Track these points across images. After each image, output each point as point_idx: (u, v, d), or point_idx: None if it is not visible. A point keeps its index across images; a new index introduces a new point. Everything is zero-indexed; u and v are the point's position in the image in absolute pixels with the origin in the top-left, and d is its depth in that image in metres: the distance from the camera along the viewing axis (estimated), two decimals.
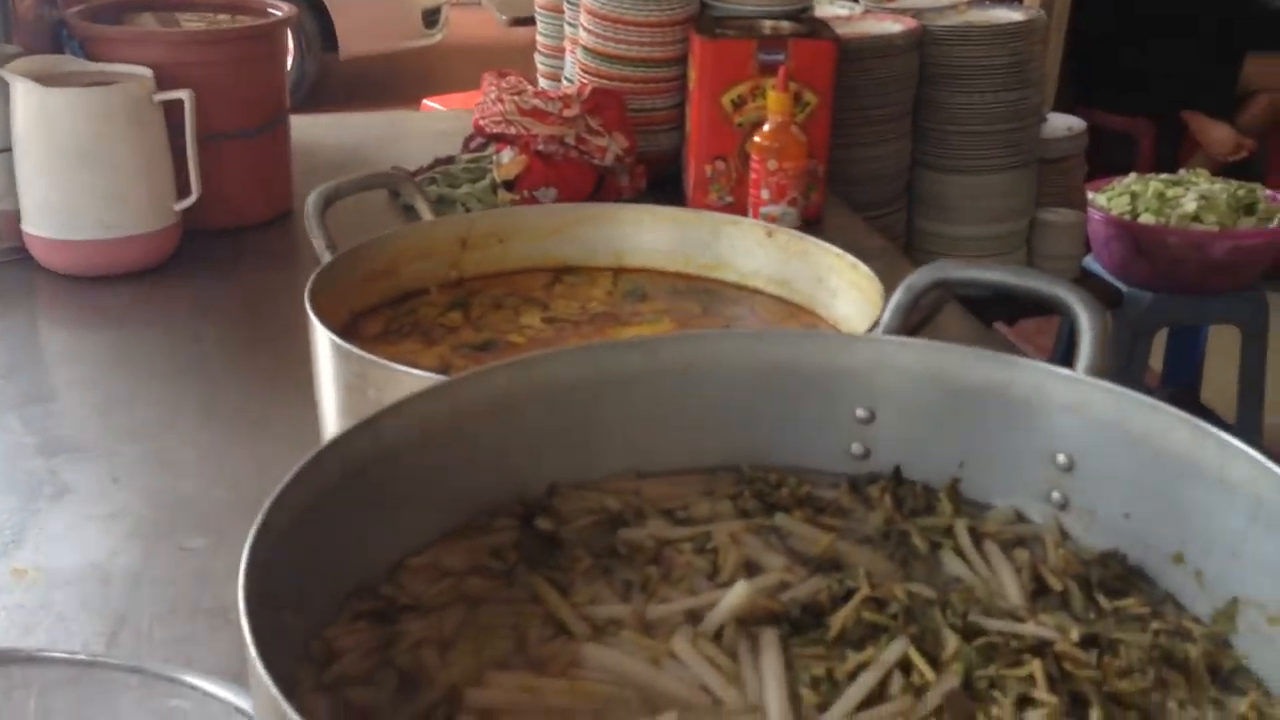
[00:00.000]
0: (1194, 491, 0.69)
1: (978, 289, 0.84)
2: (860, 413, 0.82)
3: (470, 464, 0.77)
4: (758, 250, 1.15)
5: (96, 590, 1.07)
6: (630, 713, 0.62)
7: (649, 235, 1.19)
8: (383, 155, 2.20)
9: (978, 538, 0.76)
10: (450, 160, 2.07)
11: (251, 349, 1.54)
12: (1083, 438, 0.75)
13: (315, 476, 0.65)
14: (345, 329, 1.06)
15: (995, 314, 3.03)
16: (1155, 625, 0.68)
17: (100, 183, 1.67)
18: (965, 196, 2.56)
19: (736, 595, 0.69)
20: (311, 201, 1.07)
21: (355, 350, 0.89)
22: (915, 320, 0.88)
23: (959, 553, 0.75)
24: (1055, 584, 0.72)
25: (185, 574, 1.09)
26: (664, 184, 2.07)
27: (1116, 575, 0.73)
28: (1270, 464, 0.64)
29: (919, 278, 0.83)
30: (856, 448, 0.83)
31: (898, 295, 0.83)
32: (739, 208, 1.93)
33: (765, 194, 1.85)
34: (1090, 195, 2.97)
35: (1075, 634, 0.67)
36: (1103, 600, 0.71)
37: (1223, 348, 3.07)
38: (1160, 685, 0.64)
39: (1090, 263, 3.03)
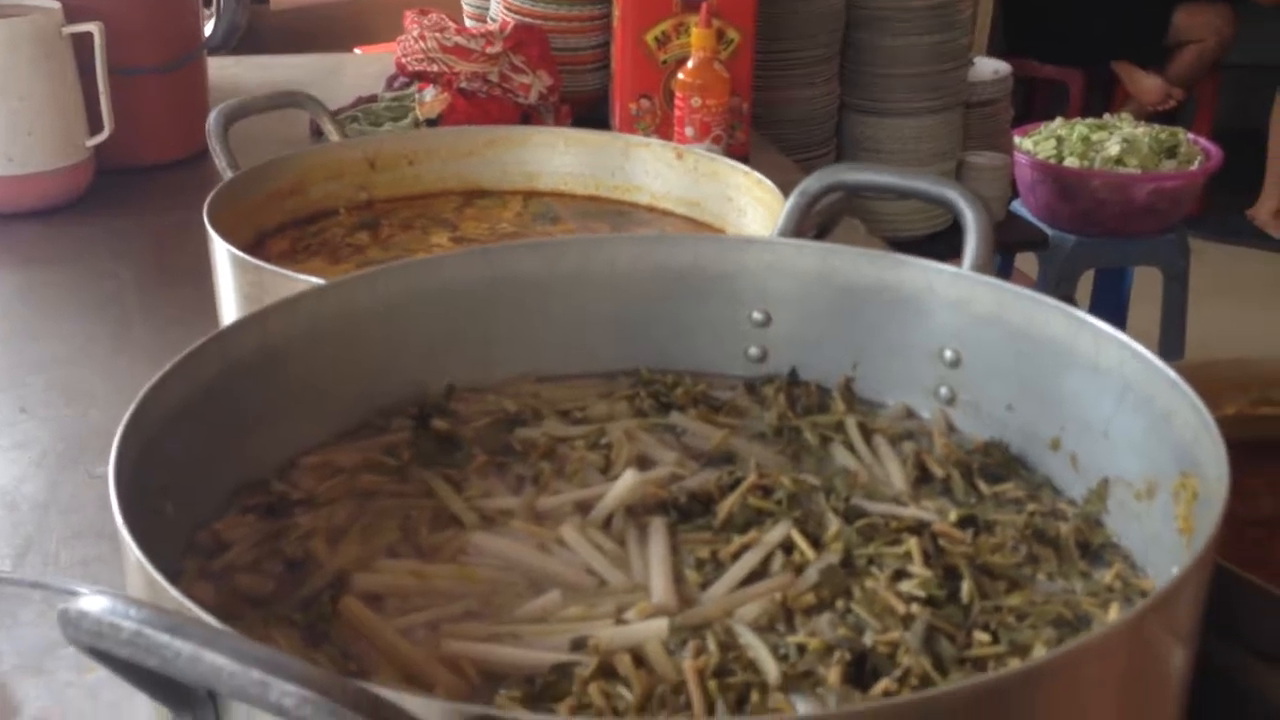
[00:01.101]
0: (1070, 379, 0.71)
1: (874, 189, 0.85)
2: (756, 315, 0.84)
3: (364, 365, 0.77)
4: (668, 172, 1.16)
5: (3, 516, 1.06)
6: (516, 595, 0.63)
7: (561, 158, 1.19)
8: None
9: (867, 433, 0.78)
10: (373, 99, 2.06)
11: (165, 284, 1.52)
12: (968, 333, 0.77)
13: (195, 369, 0.65)
14: (250, 248, 1.05)
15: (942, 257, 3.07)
16: (1031, 507, 0.70)
17: (6, 116, 1.64)
18: (893, 139, 2.58)
19: (625, 484, 0.70)
20: (213, 119, 1.06)
21: (251, 260, 0.89)
22: (814, 226, 0.89)
23: (849, 446, 0.77)
24: (938, 471, 0.73)
25: (92, 500, 1.08)
26: (590, 124, 2.07)
27: (998, 463, 0.75)
28: (1139, 347, 0.66)
29: (813, 181, 0.84)
30: (754, 350, 0.85)
31: (792, 199, 0.84)
32: None
33: (690, 131, 1.85)
34: (1017, 139, 3.01)
35: (953, 515, 0.69)
36: (983, 486, 0.73)
37: (1146, 291, 3.13)
38: (1031, 560, 0.66)
39: (1018, 207, 3.07)
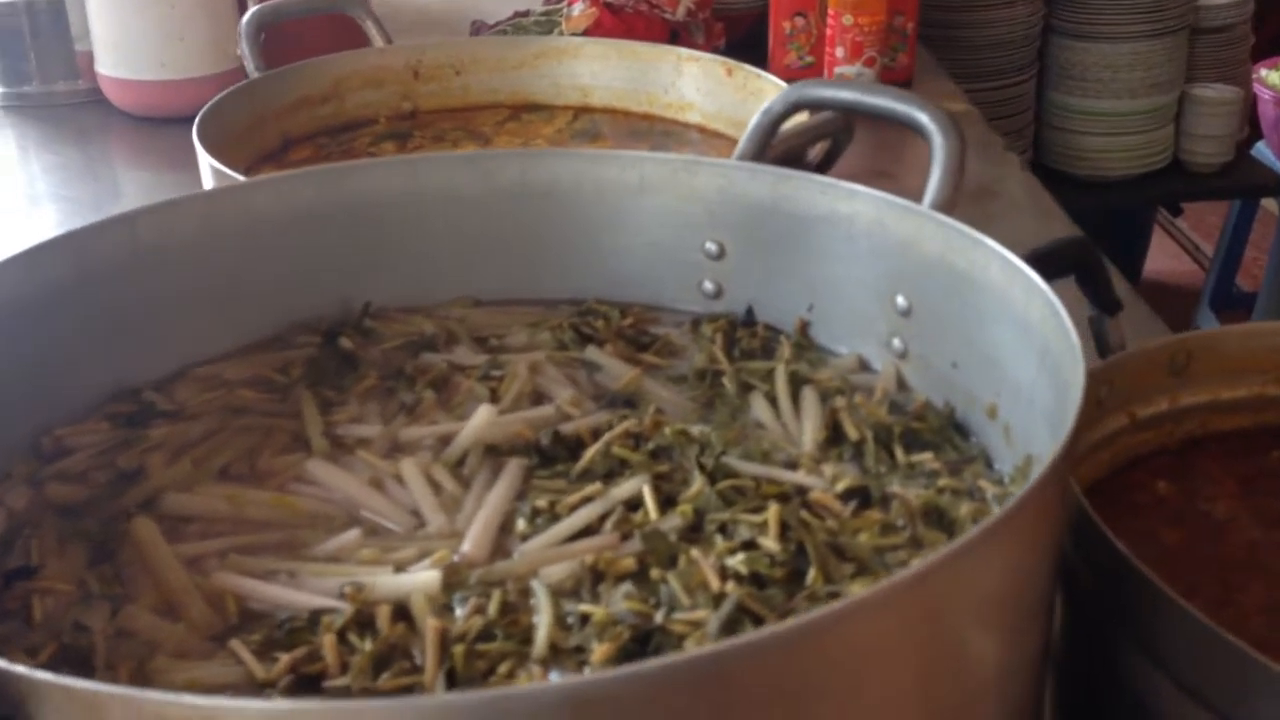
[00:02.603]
0: (1005, 334, 0.60)
1: (833, 107, 0.75)
2: (710, 246, 0.75)
3: (274, 276, 0.74)
4: (719, 89, 1.07)
5: None
6: (326, 531, 0.59)
7: (613, 72, 1.12)
8: (466, 11, 2.16)
9: (798, 384, 0.69)
10: (527, 14, 2.02)
11: None
12: (918, 276, 0.67)
13: (39, 268, 0.63)
14: (275, 153, 1.04)
15: (1156, 202, 2.81)
16: (943, 483, 0.60)
17: (159, 21, 1.69)
18: (1104, 67, 2.36)
19: (478, 420, 0.64)
20: (245, 21, 1.05)
21: (217, 166, 0.86)
22: (797, 151, 0.80)
23: (770, 398, 0.68)
24: (852, 433, 0.64)
25: None
26: (745, 44, 1.97)
27: (932, 429, 0.64)
28: (1057, 304, 0.55)
29: (776, 100, 0.74)
30: (708, 285, 0.76)
31: (755, 119, 0.75)
32: (817, 69, 1.82)
33: (840, 52, 1.73)
34: (1262, 72, 2.68)
35: (842, 484, 0.59)
36: (899, 454, 0.63)
37: None
38: (912, 544, 0.56)
39: (1262, 149, 2.76)
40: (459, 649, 0.50)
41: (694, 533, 0.57)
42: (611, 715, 0.35)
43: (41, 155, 1.70)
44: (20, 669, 0.35)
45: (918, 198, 0.69)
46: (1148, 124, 2.39)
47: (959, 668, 0.42)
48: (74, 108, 1.80)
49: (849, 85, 0.73)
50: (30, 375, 0.64)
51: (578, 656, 0.50)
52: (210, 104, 0.95)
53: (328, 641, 0.50)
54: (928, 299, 0.66)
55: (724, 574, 0.53)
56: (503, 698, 0.34)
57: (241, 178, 0.87)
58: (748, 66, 1.05)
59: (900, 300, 0.68)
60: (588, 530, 0.58)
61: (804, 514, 0.57)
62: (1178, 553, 0.65)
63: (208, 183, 0.91)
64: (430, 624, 0.50)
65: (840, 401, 0.67)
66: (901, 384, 0.69)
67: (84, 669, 0.51)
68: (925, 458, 0.62)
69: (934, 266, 0.65)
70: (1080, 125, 2.39)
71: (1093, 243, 0.73)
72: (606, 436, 0.63)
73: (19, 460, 0.63)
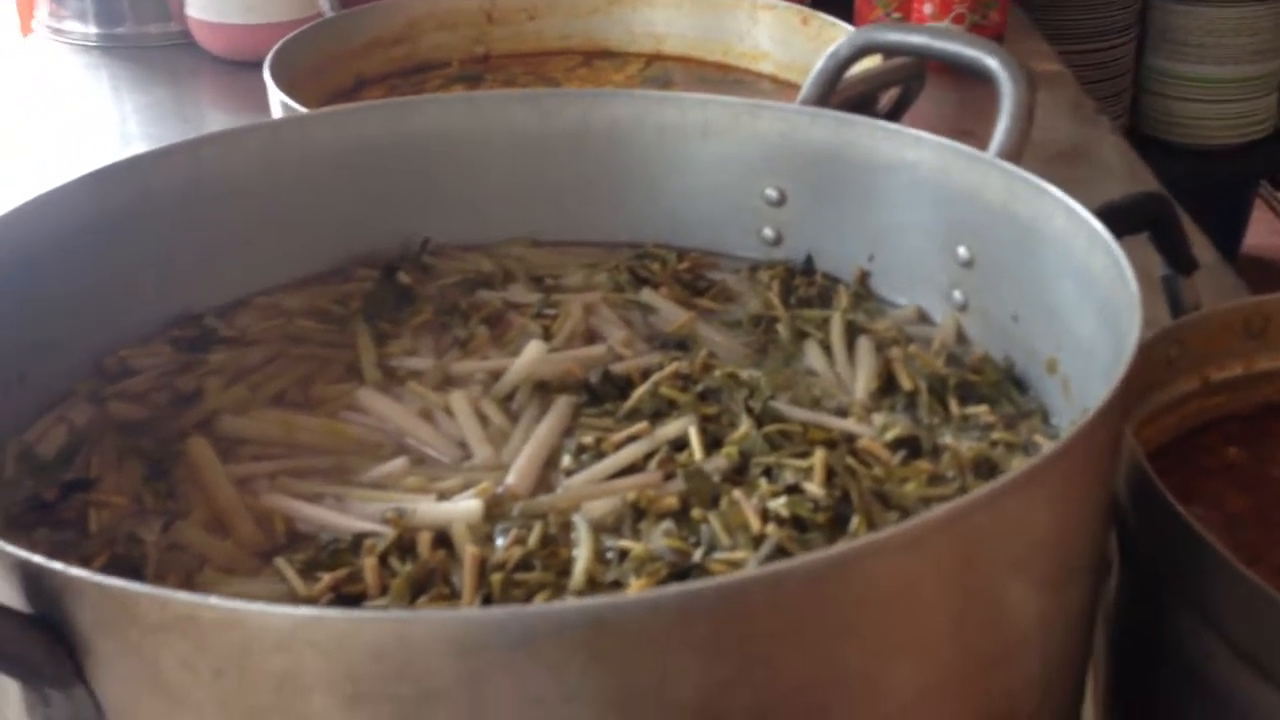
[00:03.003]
0: (1067, 287, 0.59)
1: (899, 51, 0.73)
2: (771, 193, 0.74)
3: (335, 209, 0.74)
4: (793, 39, 1.06)
5: None
6: (374, 459, 0.60)
7: (686, 20, 1.11)
8: None
9: (854, 333, 0.68)
10: None
11: None
12: (981, 227, 0.65)
13: (104, 190, 0.64)
14: (347, 92, 1.05)
15: (1258, 173, 2.72)
16: (996, 436, 0.59)
17: None
18: (1206, 31, 2.29)
19: (528, 356, 0.64)
20: None
21: (284, 98, 0.87)
22: (867, 97, 0.78)
23: (824, 346, 0.67)
24: (905, 383, 0.63)
25: None
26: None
27: (989, 383, 0.63)
28: (1120, 256, 0.53)
29: (842, 44, 0.73)
30: (768, 232, 0.75)
31: (820, 63, 0.74)
32: None
33: (928, 9, 1.70)
34: None
35: (892, 433, 0.59)
36: (954, 406, 0.62)
37: None
38: (960, 495, 0.55)
39: None
40: (497, 577, 0.50)
41: (738, 475, 0.57)
42: (632, 639, 0.35)
43: (133, 95, 1.73)
44: (56, 565, 0.36)
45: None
46: (1250, 91, 2.32)
47: (996, 616, 0.42)
48: (165, 49, 1.83)
49: (917, 29, 0.71)
50: (96, 297, 0.65)
51: (614, 590, 0.50)
52: (283, 41, 0.96)
53: (368, 564, 0.51)
54: (990, 250, 0.65)
55: (765, 516, 0.53)
56: (524, 614, 0.34)
57: (287, 98, 0.88)
58: (823, 15, 1.04)
59: (962, 251, 0.67)
60: (632, 468, 0.58)
61: (851, 461, 0.56)
62: (1244, 519, 0.63)
63: (277, 117, 0.92)
64: (469, 550, 0.50)
65: (895, 352, 0.66)
66: (961, 337, 0.68)
67: (134, 578, 0.51)
68: (980, 410, 0.61)
69: (997, 216, 0.64)
70: (1179, 91, 2.33)
71: (1170, 199, 0.71)
72: (655, 377, 0.62)
73: (83, 379, 0.64)
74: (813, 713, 0.37)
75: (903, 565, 0.37)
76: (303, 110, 0.87)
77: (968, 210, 0.66)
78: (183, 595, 0.35)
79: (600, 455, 0.59)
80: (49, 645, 0.37)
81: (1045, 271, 0.61)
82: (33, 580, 0.36)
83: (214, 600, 0.34)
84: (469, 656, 0.34)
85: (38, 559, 0.36)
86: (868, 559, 0.36)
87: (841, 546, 0.36)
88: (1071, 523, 0.44)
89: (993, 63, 0.66)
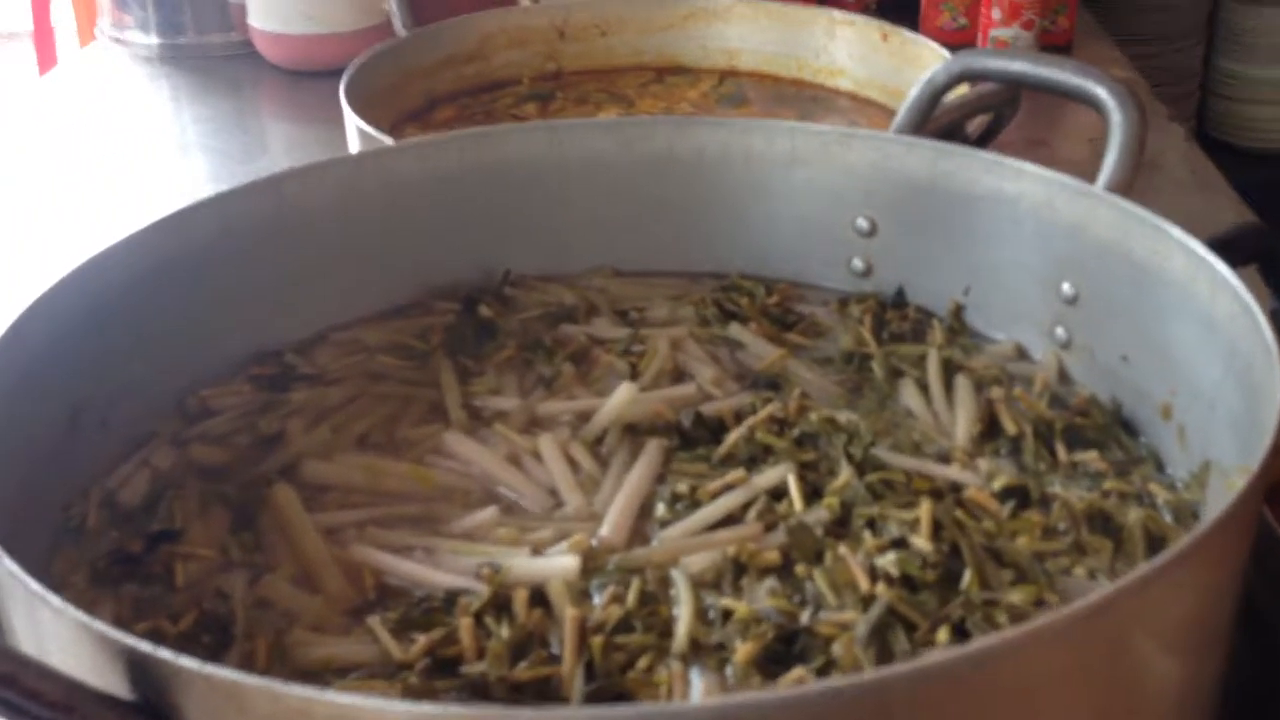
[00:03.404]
0: (1185, 331, 0.56)
1: (1000, 79, 0.70)
2: (861, 223, 0.72)
3: (413, 241, 0.73)
4: (873, 55, 1.03)
5: None
6: (463, 506, 0.58)
7: (762, 35, 1.09)
8: None
9: (951, 371, 0.65)
10: None
11: None
12: (1088, 262, 0.63)
13: (187, 229, 0.63)
14: (419, 112, 1.03)
15: None
16: (1109, 484, 0.57)
17: None
18: (1277, 31, 2.23)
19: (619, 398, 0.62)
20: None
21: (365, 128, 0.86)
22: (958, 123, 0.76)
23: (921, 385, 0.65)
24: (1010, 427, 0.60)
25: None
26: (896, 4, 1.90)
27: (1096, 426, 0.61)
28: (1251, 302, 0.50)
29: (939, 70, 0.70)
30: (857, 263, 0.73)
31: (915, 90, 0.71)
32: (971, 32, 1.75)
33: (996, 14, 1.66)
34: None
35: (999, 482, 0.56)
36: (1061, 451, 0.59)
37: None
38: (1076, 549, 0.53)
39: None
40: (597, 640, 0.48)
41: (840, 527, 0.55)
42: None
43: (193, 106, 1.73)
44: (165, 653, 0.34)
45: (1075, 168, 0.65)
46: None
47: (1138, 697, 0.39)
48: (226, 59, 1.83)
49: (1018, 56, 0.68)
50: (177, 337, 0.64)
51: (719, 654, 0.48)
52: (358, 62, 0.95)
53: (464, 625, 0.49)
54: (1098, 287, 0.62)
55: (873, 574, 0.51)
56: (651, 715, 0.32)
57: (387, 138, 0.87)
58: (905, 31, 1.01)
59: (1066, 287, 0.64)
60: (729, 519, 0.56)
61: (958, 513, 0.54)
62: None
63: (353, 142, 0.91)
64: (569, 614, 0.49)
65: (997, 392, 0.63)
66: (1063, 376, 0.65)
67: (223, 636, 0.50)
68: (1089, 457, 0.59)
69: (1107, 253, 0.61)
70: (1250, 94, 2.27)
71: (1272, 231, 0.68)
72: (750, 421, 0.60)
73: (164, 420, 0.63)
74: None
75: (1052, 655, 0.35)
76: (379, 135, 0.86)
77: (1073, 245, 0.63)
78: (295, 690, 0.33)
79: (696, 504, 0.57)
80: None
81: (1160, 312, 0.58)
82: (137, 667, 0.35)
83: (329, 696, 0.33)
84: None
85: (144, 646, 0.35)
86: (1018, 651, 0.34)
87: (991, 639, 0.34)
88: (1215, 594, 0.42)
89: (1101, 92, 0.63)
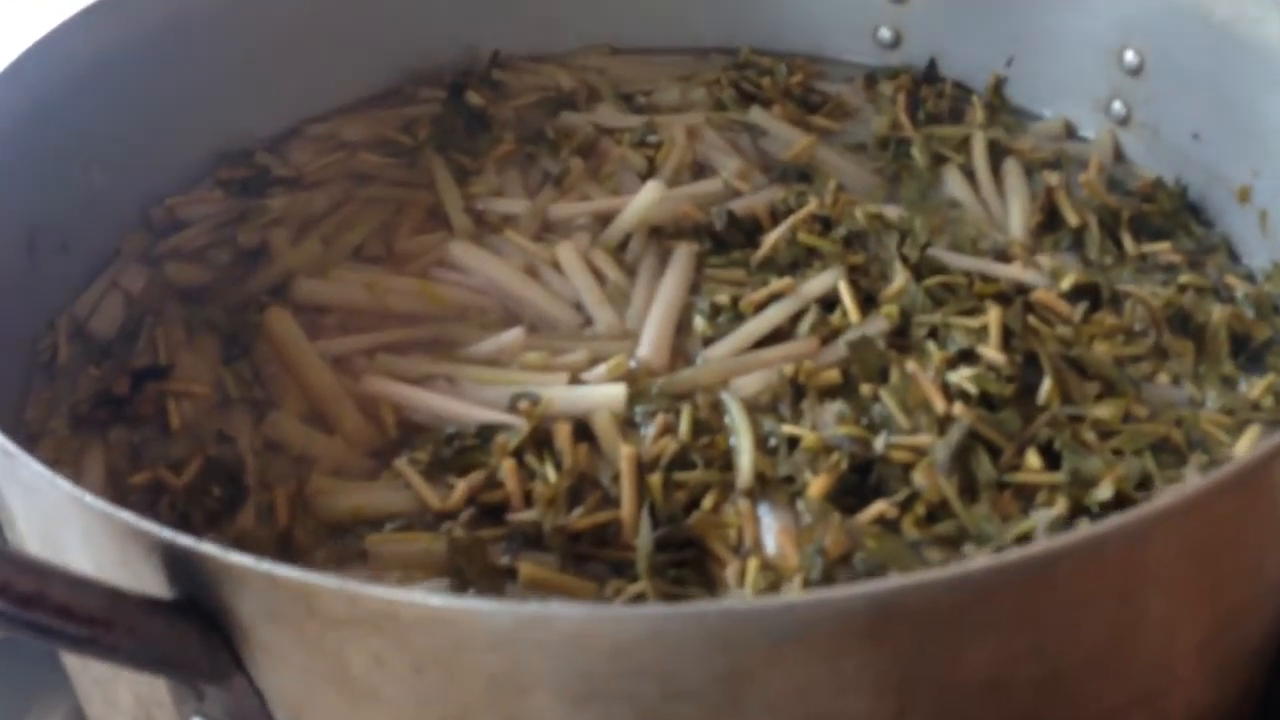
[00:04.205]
0: (1275, 105, 0.51)
1: None
2: None
3: (392, 16, 0.64)
4: None
5: None
6: (481, 327, 0.52)
7: None
8: None
9: (999, 154, 0.60)
10: None
11: None
12: (1158, 28, 0.57)
13: (130, 8, 0.55)
14: None
15: None
16: (1185, 278, 0.52)
17: None
18: None
19: (645, 198, 0.56)
20: None
21: None
22: None
23: (966, 172, 0.59)
24: (1071, 218, 0.56)
25: None
26: None
27: (1164, 213, 0.56)
28: None
29: None
30: (885, 33, 0.66)
31: None
32: None
33: None
34: None
35: (1068, 281, 0.52)
36: (1128, 243, 0.55)
37: None
38: (1157, 354, 0.49)
39: None
40: (655, 480, 0.44)
41: (900, 338, 0.50)
42: (923, 622, 0.29)
43: None
44: (211, 549, 0.29)
45: None
46: None
47: (1261, 559, 0.36)
48: None
49: None
50: (134, 138, 0.56)
51: (788, 487, 0.44)
52: None
53: (507, 467, 0.44)
54: (1169, 56, 0.57)
55: (947, 391, 0.47)
56: (799, 607, 0.28)
57: None
58: None
59: (1130, 56, 0.58)
60: (778, 333, 0.51)
61: (1029, 318, 0.49)
62: None
63: None
64: (625, 452, 0.44)
65: (1053, 178, 0.58)
66: (1118, 156, 0.60)
67: (233, 487, 0.45)
68: (1161, 248, 0.54)
69: (1183, 16, 0.55)
70: None
71: None
72: (790, 220, 0.55)
73: (129, 236, 0.56)
74: (1100, 675, 0.32)
75: (1215, 511, 0.31)
76: None
77: (1140, 6, 0.57)
78: (378, 592, 0.28)
79: (739, 317, 0.51)
80: (202, 635, 0.30)
81: (1246, 83, 0.53)
82: (179, 562, 0.30)
83: (418, 598, 0.28)
84: (730, 652, 0.28)
85: (185, 540, 0.29)
86: (1197, 504, 0.30)
87: (1170, 498, 0.30)
88: None
89: None
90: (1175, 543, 0.31)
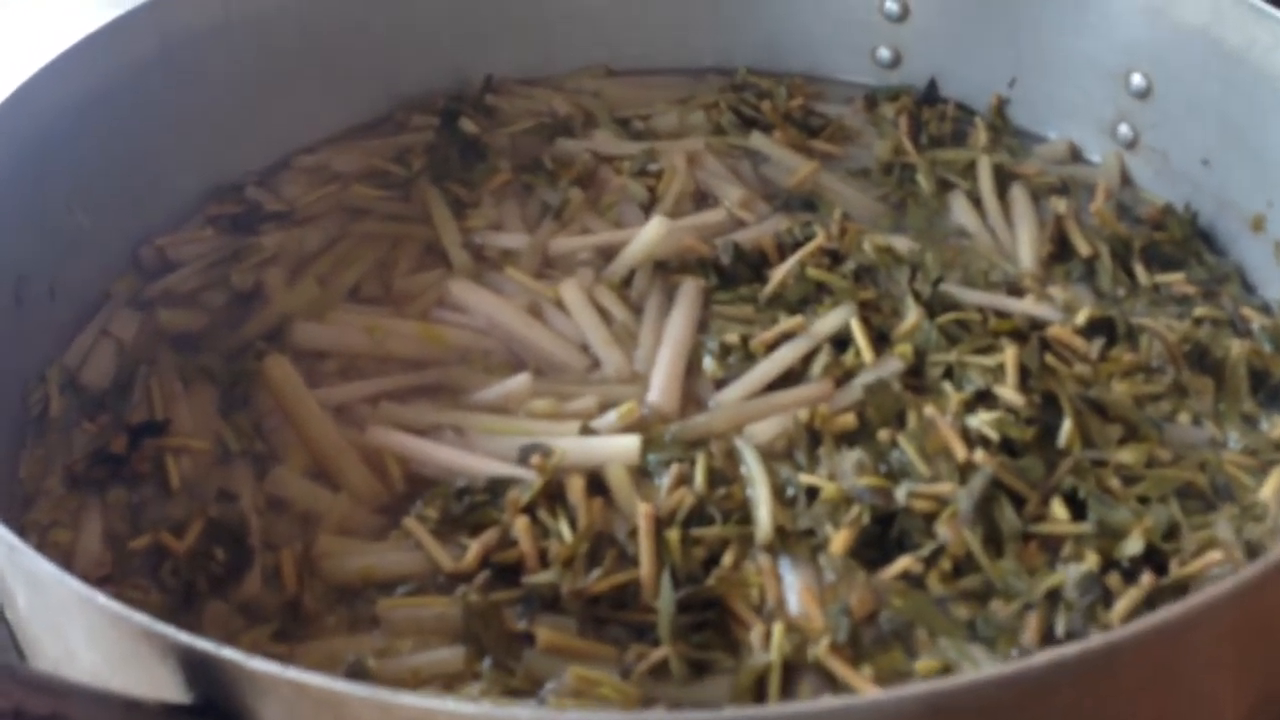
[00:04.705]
0: None
1: None
2: (890, 5, 0.64)
3: (383, 41, 0.63)
4: None
5: None
6: (486, 369, 0.51)
7: None
8: None
9: (1005, 180, 0.59)
10: None
11: None
12: (1166, 52, 0.56)
13: (120, 43, 0.53)
14: None
15: None
16: (1201, 311, 0.52)
17: None
18: None
19: (650, 233, 0.54)
20: None
21: None
22: None
23: (973, 199, 0.58)
24: (1083, 247, 0.55)
25: None
26: None
27: (1175, 241, 0.55)
28: None
29: None
30: (884, 52, 0.65)
31: None
32: None
33: None
34: None
35: (1083, 316, 0.51)
36: (1141, 273, 0.54)
37: None
38: (1176, 391, 0.48)
39: None
40: (673, 536, 0.43)
41: (914, 377, 0.49)
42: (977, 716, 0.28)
43: None
44: (232, 654, 0.28)
45: None
46: None
47: None
48: None
49: None
50: (122, 175, 0.55)
51: (809, 541, 0.43)
52: None
53: (520, 525, 0.43)
54: (1177, 80, 0.56)
55: (966, 436, 0.46)
56: (854, 710, 0.27)
57: None
58: None
59: (1136, 79, 0.57)
60: (789, 374, 0.50)
61: (1048, 357, 0.49)
62: None
63: None
64: (642, 509, 0.43)
65: (1061, 205, 0.57)
66: (1125, 179, 0.59)
67: (238, 550, 0.44)
68: (1174, 279, 0.53)
69: (1191, 40, 0.54)
70: None
71: None
72: (799, 255, 0.53)
73: (119, 279, 0.55)
74: None
75: (1265, 596, 0.30)
76: None
77: (1149, 30, 0.56)
78: (410, 700, 0.27)
79: (749, 358, 0.50)
80: None
81: (1256, 110, 0.52)
82: (198, 666, 0.29)
83: (452, 705, 0.27)
84: None
85: (205, 645, 0.28)
86: (1249, 591, 0.29)
87: (1225, 587, 0.29)
88: None
89: None
90: (1228, 626, 0.30)
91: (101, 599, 0.29)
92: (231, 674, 0.28)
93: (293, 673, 0.27)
